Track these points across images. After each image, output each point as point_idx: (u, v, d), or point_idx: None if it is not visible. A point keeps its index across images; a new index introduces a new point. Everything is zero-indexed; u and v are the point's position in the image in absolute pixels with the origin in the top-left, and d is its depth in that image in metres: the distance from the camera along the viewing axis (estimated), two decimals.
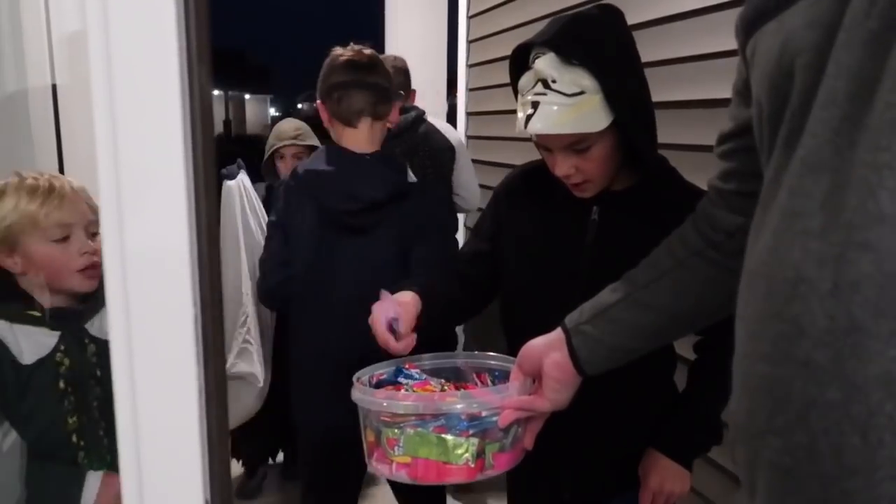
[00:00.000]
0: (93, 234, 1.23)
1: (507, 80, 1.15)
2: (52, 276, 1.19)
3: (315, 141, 2.47)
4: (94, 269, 1.20)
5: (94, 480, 1.21)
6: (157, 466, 0.45)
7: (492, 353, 1.18)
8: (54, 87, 1.98)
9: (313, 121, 4.14)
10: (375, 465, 1.02)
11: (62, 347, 1.20)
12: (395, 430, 0.98)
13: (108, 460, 1.26)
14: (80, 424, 1.23)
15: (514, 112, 1.11)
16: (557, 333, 0.93)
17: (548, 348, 0.93)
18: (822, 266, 0.53)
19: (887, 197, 0.50)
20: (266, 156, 2.44)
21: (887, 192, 0.50)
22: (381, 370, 1.15)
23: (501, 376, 1.13)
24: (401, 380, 1.14)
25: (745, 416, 0.61)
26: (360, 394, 1.03)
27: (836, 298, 0.52)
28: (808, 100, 0.57)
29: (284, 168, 2.40)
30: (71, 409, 1.22)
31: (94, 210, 1.25)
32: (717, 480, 1.49)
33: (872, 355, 0.50)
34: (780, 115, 0.61)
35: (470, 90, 3.17)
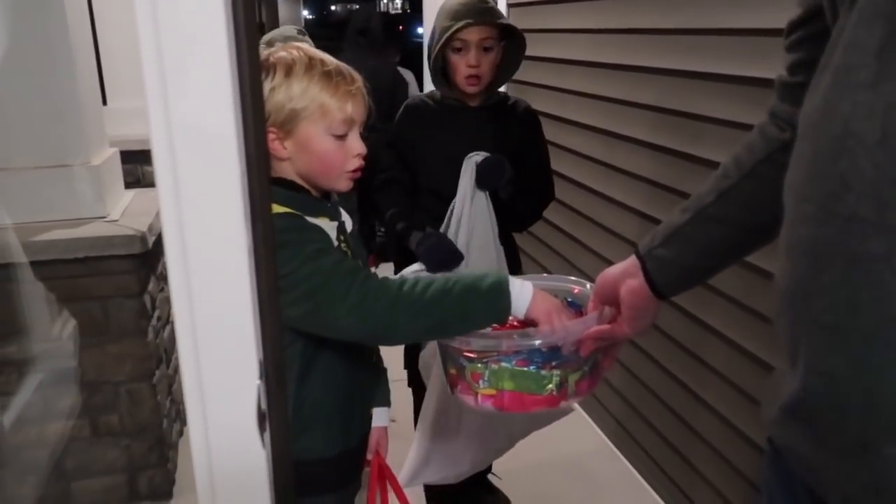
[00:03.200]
0: (362, 135, 1.14)
1: None
2: (321, 172, 1.10)
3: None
4: (357, 172, 1.13)
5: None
6: (212, 330, 0.46)
7: (556, 276, 1.18)
8: None
9: (344, 26, 3.95)
10: (460, 396, 1.04)
11: (342, 238, 1.14)
12: (479, 366, 1.00)
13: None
14: None
15: None
16: (632, 260, 0.91)
17: (624, 275, 0.91)
18: (871, 118, 0.51)
19: None
20: (438, 46, 1.63)
21: None
22: None
23: (574, 300, 1.12)
24: None
25: (789, 281, 0.61)
26: None
27: (884, 149, 0.50)
28: None
29: (466, 65, 1.63)
30: None
31: (371, 111, 1.16)
32: (753, 371, 1.51)
33: None
34: None
35: None
